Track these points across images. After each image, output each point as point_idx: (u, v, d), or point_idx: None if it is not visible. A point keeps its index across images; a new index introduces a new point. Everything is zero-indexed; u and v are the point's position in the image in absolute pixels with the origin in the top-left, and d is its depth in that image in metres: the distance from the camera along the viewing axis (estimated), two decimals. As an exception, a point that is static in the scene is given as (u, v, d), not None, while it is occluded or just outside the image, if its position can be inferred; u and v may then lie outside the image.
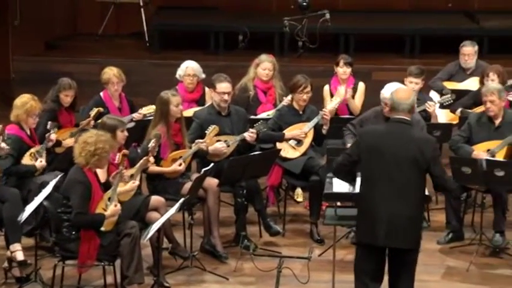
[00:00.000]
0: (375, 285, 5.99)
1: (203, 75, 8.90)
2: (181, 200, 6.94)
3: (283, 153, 8.06)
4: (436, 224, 8.19)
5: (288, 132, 8.15)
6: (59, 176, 7.10)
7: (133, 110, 8.69)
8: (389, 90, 7.67)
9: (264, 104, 8.77)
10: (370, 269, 5.96)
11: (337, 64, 8.98)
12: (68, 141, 7.98)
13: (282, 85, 8.81)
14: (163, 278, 7.06)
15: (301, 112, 8.21)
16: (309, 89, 8.11)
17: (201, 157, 7.90)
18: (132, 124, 8.20)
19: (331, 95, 8.87)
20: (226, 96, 7.92)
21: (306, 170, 8.02)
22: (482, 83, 8.78)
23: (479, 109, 8.45)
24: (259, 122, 8.05)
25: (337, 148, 7.78)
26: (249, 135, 7.91)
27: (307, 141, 8.16)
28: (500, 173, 7.34)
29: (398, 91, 6.08)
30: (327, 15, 8.91)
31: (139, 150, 7.58)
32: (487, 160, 7.43)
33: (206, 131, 7.79)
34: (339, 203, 6.70)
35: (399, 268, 5.95)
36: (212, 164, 7.45)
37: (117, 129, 7.15)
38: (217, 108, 7.99)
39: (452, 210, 7.87)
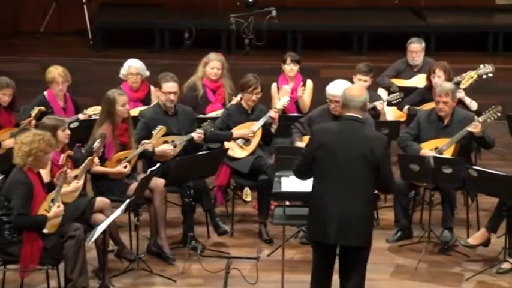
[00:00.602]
0: (329, 283, 5.99)
1: (147, 73, 8.80)
2: (127, 201, 6.83)
3: (231, 153, 8.00)
4: (385, 222, 8.20)
5: (236, 131, 8.08)
6: (0, 178, 6.92)
7: (78, 110, 8.54)
8: (334, 87, 7.67)
9: (213, 104, 8.71)
10: (322, 267, 5.97)
11: (284, 62, 8.95)
12: (8, 142, 7.79)
13: (232, 84, 8.75)
14: (109, 281, 6.95)
15: (249, 111, 8.15)
16: (259, 89, 8.05)
17: (148, 157, 7.78)
18: (76, 124, 8.04)
19: (278, 93, 8.82)
20: (172, 96, 7.82)
21: (254, 169, 7.96)
22: (429, 80, 8.80)
23: (427, 106, 8.47)
24: (207, 122, 7.97)
25: (285, 147, 7.77)
26: (197, 134, 7.82)
27: (256, 141, 8.10)
28: (448, 170, 7.36)
29: (350, 88, 6.05)
30: (274, 12, 8.86)
31: (83, 151, 7.44)
32: (435, 157, 7.45)
33: (153, 131, 7.68)
34: (287, 202, 6.65)
35: (350, 266, 5.93)
36: (159, 164, 7.35)
37: (58, 128, 7.03)
38: (163, 108, 7.88)
39: (401, 208, 7.87)
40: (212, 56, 8.75)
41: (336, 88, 7.58)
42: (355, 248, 5.87)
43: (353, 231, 5.80)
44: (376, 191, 6.05)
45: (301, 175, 6.03)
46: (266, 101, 8.65)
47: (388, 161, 5.92)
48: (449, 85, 8.01)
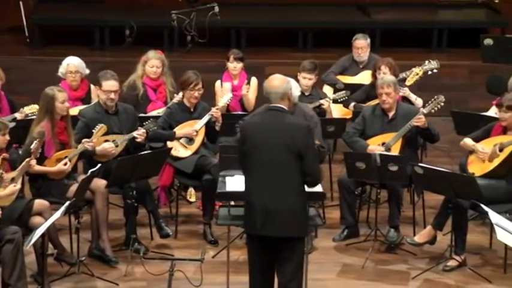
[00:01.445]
0: (264, 278, 5.93)
1: (87, 71, 8.63)
2: (67, 203, 6.68)
3: (174, 153, 7.88)
4: (331, 221, 8.14)
5: (179, 130, 7.96)
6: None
7: (14, 109, 8.33)
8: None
9: (154, 102, 8.58)
10: (256, 261, 5.94)
11: (228, 59, 8.85)
12: None
13: (173, 82, 8.63)
14: (49, 285, 6.81)
15: (192, 109, 8.04)
16: (200, 85, 7.94)
17: (88, 157, 7.61)
18: (12, 124, 7.81)
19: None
20: (112, 95, 7.66)
21: (198, 169, 7.86)
22: (374, 76, 8.77)
23: (373, 103, 8.44)
24: (149, 121, 7.84)
25: (229, 146, 7.63)
26: (138, 134, 7.68)
27: (199, 139, 7.98)
28: (394, 168, 7.35)
29: (269, 80, 6.01)
30: (216, 9, 8.73)
31: (20, 152, 7.24)
32: (381, 155, 7.42)
33: (93, 130, 7.53)
34: (232, 202, 6.60)
35: (284, 259, 5.88)
36: (99, 165, 7.20)
37: None
38: (104, 106, 7.72)
39: (347, 207, 7.82)
40: (151, 54, 8.63)
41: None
42: (288, 239, 5.81)
43: (280, 221, 5.77)
44: (321, 190, 6.02)
45: (242, 170, 6.03)
46: (210, 99, 8.54)
47: (312, 149, 5.84)
48: (390, 77, 8.03)
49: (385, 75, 8.27)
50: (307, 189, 6.02)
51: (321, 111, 8.54)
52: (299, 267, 5.93)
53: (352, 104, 8.87)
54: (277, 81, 5.94)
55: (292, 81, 7.59)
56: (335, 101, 8.81)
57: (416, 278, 7.16)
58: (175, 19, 8.58)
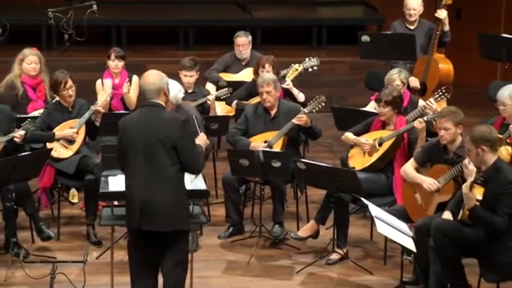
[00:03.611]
0: (145, 273, 5.91)
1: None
2: None
3: (54, 154, 7.73)
4: (216, 218, 8.15)
5: (59, 131, 7.81)
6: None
7: None
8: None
9: (35, 101, 8.39)
10: (139, 256, 5.91)
11: (109, 57, 8.77)
12: None
13: (51, 79, 8.43)
14: None
15: (70, 109, 7.90)
16: (70, 83, 7.83)
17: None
18: None
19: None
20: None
21: (80, 169, 7.73)
22: (256, 73, 8.82)
23: (254, 100, 8.49)
24: (27, 121, 7.65)
25: (112, 145, 7.53)
26: (16, 135, 7.48)
27: (80, 139, 7.85)
28: (277, 164, 7.40)
29: (144, 76, 5.97)
30: (94, 7, 8.61)
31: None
32: (264, 151, 7.47)
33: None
34: (116, 202, 6.50)
35: (165, 254, 5.87)
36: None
37: None
38: (-21, 107, 7.50)
39: (232, 205, 7.84)
40: (27, 51, 8.45)
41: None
42: (168, 233, 5.80)
43: (157, 216, 5.77)
44: (205, 188, 6.03)
45: (122, 168, 5.99)
46: (92, 98, 8.38)
47: (188, 141, 5.83)
48: (269, 75, 8.10)
49: (266, 73, 8.32)
50: (191, 186, 6.03)
51: (204, 109, 8.55)
52: (182, 261, 5.91)
53: (235, 101, 8.91)
54: (152, 77, 5.91)
55: (176, 83, 7.60)
56: (218, 99, 8.83)
57: (301, 272, 7.25)
58: (52, 17, 8.40)
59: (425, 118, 7.49)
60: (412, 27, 9.44)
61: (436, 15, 9.24)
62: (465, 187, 6.29)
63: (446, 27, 9.24)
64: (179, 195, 5.86)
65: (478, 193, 6.32)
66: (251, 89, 8.77)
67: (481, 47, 9.41)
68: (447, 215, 6.54)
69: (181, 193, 5.88)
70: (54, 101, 8.06)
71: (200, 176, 6.38)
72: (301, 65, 9.08)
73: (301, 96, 8.79)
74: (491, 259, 6.33)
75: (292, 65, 9.07)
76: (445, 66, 9.29)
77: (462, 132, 6.87)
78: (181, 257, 5.91)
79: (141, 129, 5.79)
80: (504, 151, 7.30)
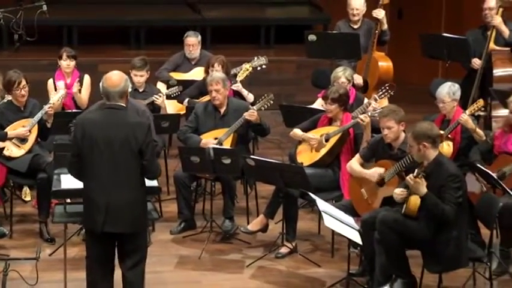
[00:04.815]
0: (104, 271, 5.98)
1: None
2: None
3: (6, 153, 7.74)
4: (169, 214, 8.25)
5: (11, 131, 7.83)
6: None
7: None
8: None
9: (-14, 102, 8.38)
10: (96, 256, 5.97)
11: (60, 57, 8.81)
12: None
13: (3, 79, 8.44)
14: None
15: (22, 108, 7.93)
16: (24, 82, 7.86)
17: None
18: None
19: (56, 89, 8.65)
20: None
21: (33, 167, 7.77)
22: (207, 72, 8.95)
23: (205, 99, 8.61)
24: (-22, 121, 7.67)
25: (64, 144, 7.61)
26: (-32, 134, 7.52)
27: (32, 138, 7.89)
28: (227, 161, 7.52)
29: (106, 78, 6.01)
30: (44, 7, 8.65)
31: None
32: (214, 148, 7.59)
33: None
34: (68, 200, 6.55)
35: (127, 253, 5.96)
36: None
37: None
38: None
39: (184, 200, 7.95)
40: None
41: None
42: (129, 234, 5.90)
43: (121, 218, 5.84)
44: (156, 184, 6.12)
45: (72, 171, 6.00)
46: (44, 98, 8.42)
47: (151, 146, 5.94)
48: (218, 74, 8.23)
49: (215, 72, 8.46)
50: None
51: (155, 107, 8.64)
52: (142, 259, 6.02)
53: (186, 99, 9.02)
54: (116, 78, 5.94)
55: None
56: (168, 97, 8.92)
57: (251, 265, 7.37)
58: (2, 17, 8.43)
59: (369, 113, 7.70)
60: (355, 27, 9.61)
61: (373, 14, 9.41)
62: (410, 179, 6.49)
63: (385, 26, 9.45)
64: (142, 196, 5.96)
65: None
66: (202, 88, 8.87)
67: (422, 46, 9.60)
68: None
69: (144, 194, 5.98)
70: (5, 100, 8.09)
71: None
72: (250, 64, 9.22)
73: (250, 97, 8.92)
74: (434, 251, 6.52)
75: (243, 65, 9.20)
76: (385, 64, 9.46)
77: (405, 129, 7.06)
78: (143, 254, 6.02)
79: (106, 131, 5.81)
80: (446, 146, 7.56)
